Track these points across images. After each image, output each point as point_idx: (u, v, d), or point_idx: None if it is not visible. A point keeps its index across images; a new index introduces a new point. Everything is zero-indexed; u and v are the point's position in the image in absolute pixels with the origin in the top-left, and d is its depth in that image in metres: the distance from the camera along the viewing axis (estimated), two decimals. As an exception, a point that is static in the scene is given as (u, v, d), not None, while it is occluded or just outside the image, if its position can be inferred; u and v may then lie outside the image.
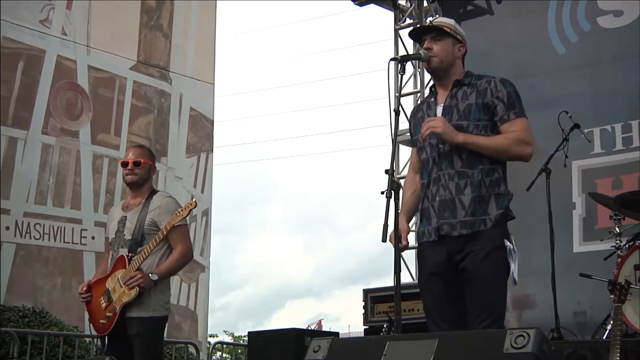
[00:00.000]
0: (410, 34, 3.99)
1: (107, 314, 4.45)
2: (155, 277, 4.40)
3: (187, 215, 4.42)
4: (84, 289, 4.62)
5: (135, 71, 11.97)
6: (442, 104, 3.66)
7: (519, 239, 7.54)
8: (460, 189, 3.52)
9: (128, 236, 4.54)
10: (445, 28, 3.71)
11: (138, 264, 4.40)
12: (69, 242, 10.68)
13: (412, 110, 3.94)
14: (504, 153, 3.53)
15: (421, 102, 3.93)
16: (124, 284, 4.39)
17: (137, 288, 4.34)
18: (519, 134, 3.53)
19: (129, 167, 4.62)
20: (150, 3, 12.34)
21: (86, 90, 11.26)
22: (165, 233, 4.42)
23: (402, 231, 3.57)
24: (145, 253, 4.42)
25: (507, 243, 3.50)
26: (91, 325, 4.58)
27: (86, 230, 10.93)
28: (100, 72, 11.48)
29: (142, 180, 4.64)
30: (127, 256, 4.47)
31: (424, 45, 3.71)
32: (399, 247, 3.47)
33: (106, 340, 4.50)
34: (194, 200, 4.49)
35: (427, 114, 3.71)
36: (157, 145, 12.18)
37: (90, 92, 11.31)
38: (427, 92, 3.99)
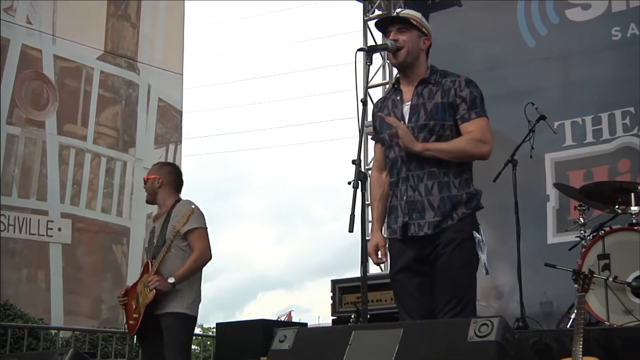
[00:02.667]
0: (377, 25, 3.98)
1: (134, 315, 4.76)
2: (172, 280, 4.63)
3: (186, 222, 4.69)
4: (122, 293, 4.94)
5: (102, 61, 11.85)
6: (409, 103, 3.66)
7: (490, 230, 7.64)
8: (429, 190, 3.54)
9: (159, 244, 4.82)
10: (411, 20, 3.71)
11: (155, 268, 4.68)
12: (35, 234, 10.57)
13: (375, 107, 3.90)
14: (462, 154, 3.55)
15: (384, 98, 3.90)
16: (145, 287, 4.68)
17: (154, 290, 4.59)
18: (475, 134, 3.55)
19: (144, 187, 5.04)
20: (117, -8, 12.21)
21: (52, 80, 11.12)
22: (172, 239, 4.70)
23: (380, 247, 3.65)
24: (160, 257, 4.71)
25: (476, 234, 3.52)
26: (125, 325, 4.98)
27: (52, 221, 10.81)
28: (66, 61, 11.34)
29: (150, 195, 5.00)
30: (151, 262, 4.76)
31: (390, 37, 3.71)
32: (378, 260, 3.65)
33: (135, 339, 4.92)
34: (192, 207, 4.76)
35: (393, 112, 3.70)
36: (124, 136, 12.08)
37: (57, 82, 11.17)
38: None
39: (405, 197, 3.58)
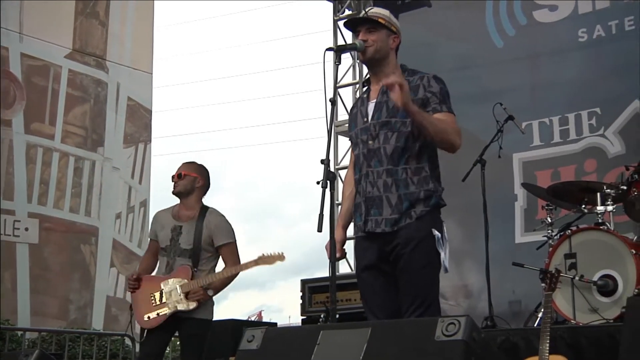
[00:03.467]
0: (346, 24, 4.01)
1: (157, 311, 4.76)
2: (211, 293, 4.79)
3: (271, 264, 4.78)
4: (134, 277, 4.90)
5: (70, 59, 11.72)
6: (375, 100, 3.70)
7: (459, 230, 7.67)
8: (388, 187, 3.55)
9: (185, 246, 4.84)
10: (380, 19, 3.73)
11: (203, 283, 4.73)
12: (1, 234, 10.42)
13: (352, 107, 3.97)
14: (442, 134, 3.52)
15: (359, 97, 3.96)
16: (183, 292, 4.71)
17: (197, 302, 4.70)
18: (455, 125, 3.58)
19: (174, 179, 4.98)
20: (86, -10, 12.09)
21: (19, 79, 10.98)
22: (246, 268, 4.77)
23: (337, 242, 3.63)
24: (213, 277, 4.76)
25: (435, 232, 3.52)
26: (133, 314, 4.91)
27: (19, 221, 10.68)
28: (34, 60, 11.21)
29: (185, 191, 4.95)
30: (193, 270, 4.78)
31: (359, 37, 3.74)
32: (335, 256, 3.58)
33: (145, 332, 4.80)
34: (282, 253, 4.78)
35: (360, 110, 3.76)
36: (93, 135, 11.98)
37: (24, 81, 11.04)
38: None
39: (366, 195, 3.60)
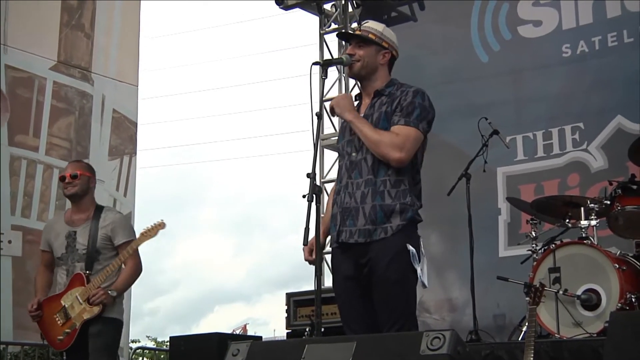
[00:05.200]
0: (338, 35, 4.03)
1: (65, 330, 4.63)
2: (114, 293, 4.61)
3: (154, 236, 4.62)
4: (34, 307, 4.78)
5: (55, 71, 11.66)
6: (362, 114, 3.70)
7: (444, 243, 7.68)
8: (364, 198, 3.55)
9: (82, 251, 4.68)
10: (370, 35, 3.71)
11: (99, 283, 4.57)
12: (-16, 247, 10.33)
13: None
14: (374, 146, 3.53)
15: None
16: (84, 301, 4.56)
17: (101, 305, 4.54)
18: (396, 138, 3.52)
19: (67, 180, 4.76)
20: (71, 2, 12.01)
21: (3, 91, 10.92)
22: (130, 253, 4.60)
23: (314, 245, 3.60)
24: (106, 273, 4.59)
25: (410, 247, 3.48)
26: (44, 341, 4.83)
27: (2, 234, 10.58)
28: (18, 71, 11.14)
29: (81, 192, 4.78)
30: (85, 274, 4.62)
31: (348, 50, 3.75)
32: (320, 270, 3.57)
33: (64, 355, 4.72)
34: (162, 220, 4.65)
35: None
36: (78, 148, 11.90)
37: (8, 92, 10.96)
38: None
39: (343, 205, 3.60)
